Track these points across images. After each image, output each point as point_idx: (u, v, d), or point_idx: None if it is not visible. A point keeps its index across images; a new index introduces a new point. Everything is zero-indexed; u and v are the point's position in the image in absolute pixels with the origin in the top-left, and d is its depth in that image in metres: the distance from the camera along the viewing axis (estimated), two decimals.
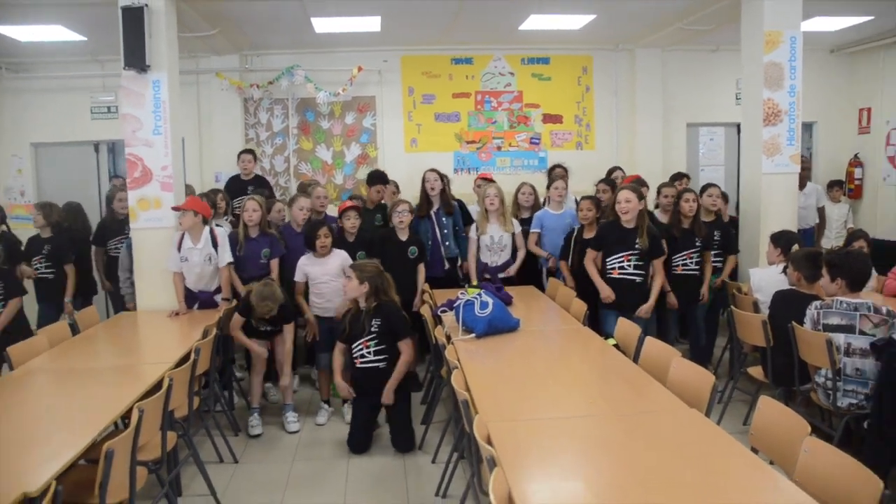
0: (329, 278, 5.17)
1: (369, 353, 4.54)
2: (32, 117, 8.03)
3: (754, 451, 2.63)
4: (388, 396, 4.53)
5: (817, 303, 3.91)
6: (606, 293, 5.04)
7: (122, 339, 4.80)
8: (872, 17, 7.06)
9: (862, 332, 3.71)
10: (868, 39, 8.23)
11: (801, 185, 7.42)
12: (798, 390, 4.19)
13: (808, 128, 9.05)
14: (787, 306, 4.17)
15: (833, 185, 8.34)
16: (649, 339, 3.83)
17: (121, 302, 6.02)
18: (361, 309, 4.58)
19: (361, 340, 4.54)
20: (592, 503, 2.16)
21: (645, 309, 5.07)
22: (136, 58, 5.26)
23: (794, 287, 4.36)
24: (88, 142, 8.21)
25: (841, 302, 3.80)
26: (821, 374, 3.93)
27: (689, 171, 8.54)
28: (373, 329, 4.52)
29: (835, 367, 3.76)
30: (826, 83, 8.79)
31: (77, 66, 7.94)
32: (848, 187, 8.72)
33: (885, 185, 8.40)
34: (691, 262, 5.52)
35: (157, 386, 3.44)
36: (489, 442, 2.53)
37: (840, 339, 3.79)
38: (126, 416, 3.36)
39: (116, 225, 6.30)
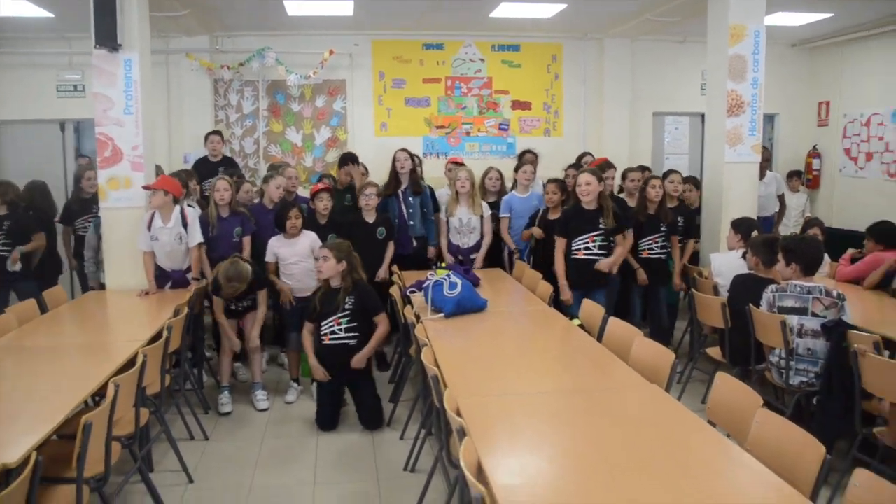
0: (298, 259, 5.22)
1: (340, 329, 4.61)
2: None
3: (711, 424, 2.77)
4: (359, 361, 4.59)
5: (773, 286, 4.08)
6: (566, 297, 5.16)
7: (92, 317, 4.80)
8: (833, 14, 7.27)
9: (814, 314, 3.89)
10: (828, 35, 8.46)
11: (762, 175, 7.65)
12: (754, 369, 4.36)
13: (769, 119, 9.29)
14: (745, 290, 4.34)
15: (792, 175, 8.59)
16: (613, 320, 3.96)
17: (87, 280, 6.00)
18: (334, 287, 4.65)
19: (333, 318, 4.61)
20: (558, 473, 2.28)
21: (606, 262, 5.18)
22: (107, 36, 5.22)
23: (752, 271, 4.53)
24: (54, 120, 8.11)
25: (795, 286, 3.97)
26: (775, 354, 4.10)
27: (655, 159, 8.77)
28: (346, 307, 4.60)
29: (788, 347, 3.93)
30: (787, 76, 9.03)
31: (43, 43, 7.84)
32: (806, 177, 8.97)
33: (842, 176, 8.67)
34: (657, 246, 5.67)
35: (130, 363, 3.48)
36: (458, 415, 2.63)
37: (794, 320, 3.96)
38: (96, 395, 3.42)
39: (84, 204, 6.26)
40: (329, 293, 4.66)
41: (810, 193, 8.93)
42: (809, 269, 3.97)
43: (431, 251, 6.14)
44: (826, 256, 5.59)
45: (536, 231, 5.81)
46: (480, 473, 2.18)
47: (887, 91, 7.91)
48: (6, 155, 8.07)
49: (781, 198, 7.94)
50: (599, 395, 3.03)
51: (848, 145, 8.56)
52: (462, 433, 2.38)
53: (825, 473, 2.14)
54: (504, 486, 2.10)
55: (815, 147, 9.03)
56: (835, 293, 3.88)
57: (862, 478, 2.00)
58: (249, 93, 8.21)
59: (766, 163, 7.62)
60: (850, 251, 5.41)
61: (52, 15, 6.89)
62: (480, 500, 1.93)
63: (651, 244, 5.66)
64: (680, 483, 2.16)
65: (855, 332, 3.67)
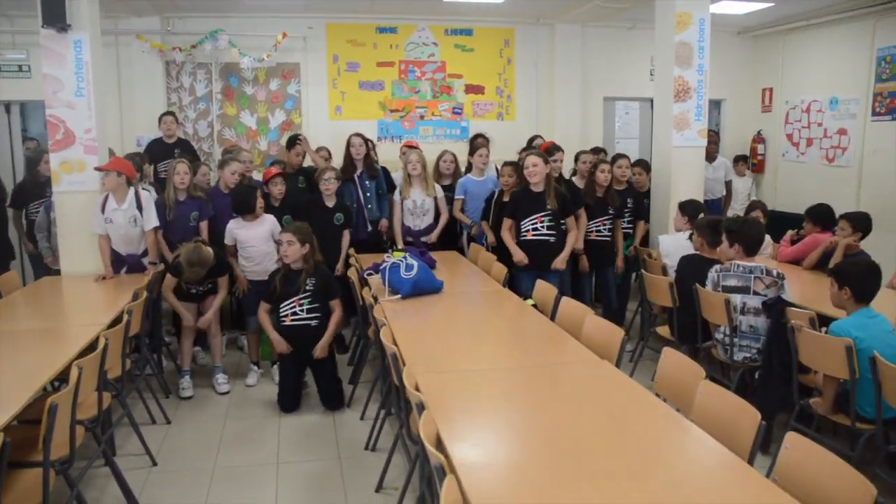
0: (258, 242, 5.25)
1: (302, 310, 4.68)
2: None
3: (659, 397, 2.92)
4: (322, 350, 4.69)
5: (717, 266, 4.27)
6: (519, 257, 5.27)
7: (48, 302, 4.77)
8: (773, 4, 7.50)
9: (756, 293, 4.09)
10: (771, 24, 8.73)
11: (712, 159, 7.91)
12: (700, 347, 4.55)
13: (716, 105, 9.56)
14: (692, 270, 4.53)
15: (739, 160, 8.87)
16: (565, 299, 4.11)
17: (41, 265, 5.93)
18: (294, 269, 4.70)
19: (294, 299, 4.68)
20: (513, 442, 2.40)
21: (559, 259, 5.32)
22: (55, 16, 5.12)
23: (697, 252, 4.72)
24: None
25: (738, 265, 4.16)
26: (720, 331, 4.30)
27: (606, 143, 8.93)
28: (307, 288, 4.67)
29: (732, 324, 4.13)
30: (733, 63, 9.30)
31: None
32: (752, 162, 9.27)
33: (784, 161, 8.98)
34: (604, 229, 5.84)
35: (90, 348, 3.50)
36: (417, 391, 2.73)
37: (737, 299, 4.15)
38: (56, 380, 3.44)
39: (37, 187, 6.17)
40: (289, 275, 4.72)
41: (755, 177, 9.23)
42: (751, 250, 4.17)
43: (384, 223, 6.21)
44: (768, 238, 5.84)
45: (489, 236, 5.89)
46: (440, 445, 2.29)
47: (826, 79, 8.21)
48: None
49: (728, 184, 8.22)
50: (552, 369, 3.17)
51: (790, 131, 8.86)
52: (421, 407, 2.49)
53: (761, 438, 2.30)
54: (462, 455, 2.21)
55: (759, 132, 9.32)
56: (775, 272, 4.09)
57: (792, 440, 2.17)
58: (202, 75, 8.12)
59: (715, 147, 7.88)
60: (790, 233, 5.64)
61: None
62: (440, 467, 2.04)
63: (599, 226, 5.83)
64: (627, 449, 2.31)
65: (793, 309, 3.87)
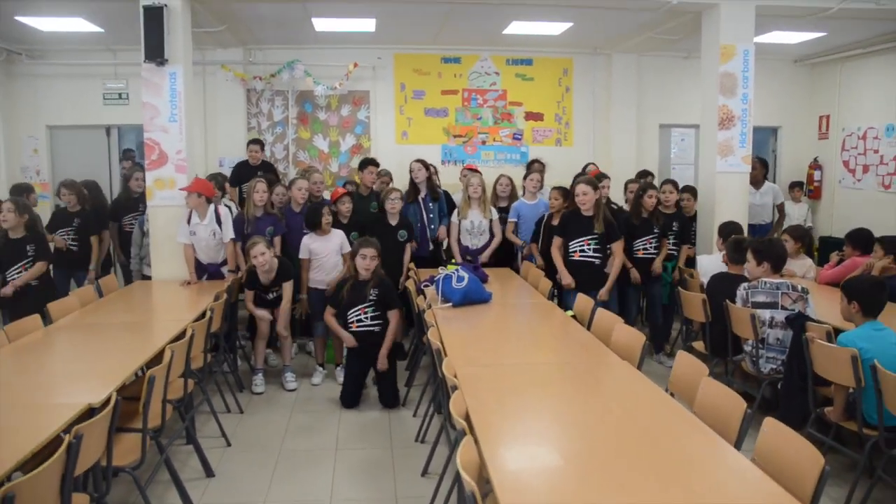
0: (329, 254, 5.78)
1: (366, 317, 5.17)
2: (48, 101, 8.59)
3: (671, 394, 3.27)
4: (382, 362, 5.17)
5: (746, 284, 4.57)
6: (567, 281, 5.63)
7: (143, 301, 5.42)
8: (825, 34, 7.72)
9: (783, 308, 4.38)
10: (827, 52, 8.91)
11: (759, 185, 8.12)
12: (730, 360, 4.84)
13: (773, 132, 9.77)
14: (720, 286, 4.85)
15: (794, 186, 9.04)
16: (600, 311, 4.48)
17: (131, 274, 6.60)
18: (361, 280, 5.19)
19: (360, 307, 5.17)
20: (529, 415, 2.80)
21: (603, 291, 5.66)
22: (155, 52, 5.84)
23: (724, 270, 5.03)
24: (100, 125, 8.79)
25: (765, 283, 4.46)
26: (748, 345, 4.59)
27: (661, 169, 9.23)
28: (371, 297, 5.16)
29: (757, 337, 4.41)
30: (790, 91, 9.50)
31: (91, 54, 8.51)
32: (808, 188, 9.40)
33: (841, 188, 9.09)
34: (651, 247, 6.15)
35: (179, 338, 4.05)
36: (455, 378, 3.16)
37: (766, 314, 4.44)
38: (148, 366, 4.01)
39: (131, 203, 6.90)
40: (357, 284, 5.20)
41: (812, 204, 9.35)
42: (777, 267, 4.46)
43: (441, 232, 6.66)
44: (810, 261, 6.08)
45: (538, 259, 6.25)
46: (467, 419, 2.70)
47: (882, 106, 8.33)
48: (57, 158, 8.75)
49: (780, 207, 8.37)
50: (578, 367, 3.56)
51: (846, 158, 8.98)
52: (454, 389, 2.92)
53: (748, 424, 2.64)
54: (481, 423, 2.62)
55: (815, 159, 9.45)
56: (800, 288, 4.38)
57: (769, 425, 2.50)
58: (280, 102, 8.81)
59: (757, 173, 8.04)
60: (834, 256, 5.86)
61: (102, 30, 7.54)
62: (461, 431, 2.46)
63: (645, 244, 6.14)
64: (633, 431, 2.68)
65: (812, 323, 4.15)
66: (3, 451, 2.45)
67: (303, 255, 5.83)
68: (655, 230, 6.12)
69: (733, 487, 2.25)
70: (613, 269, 5.72)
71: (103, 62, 8.54)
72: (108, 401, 2.97)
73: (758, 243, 4.57)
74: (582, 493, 2.19)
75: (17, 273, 5.54)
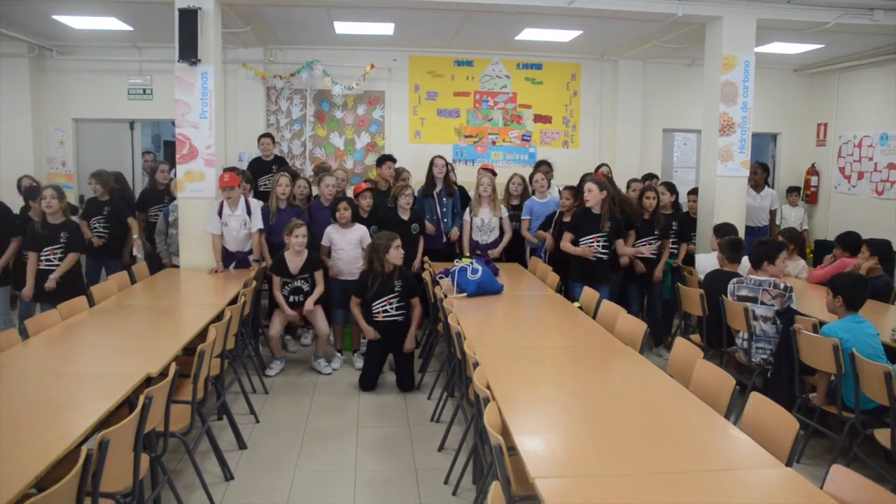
0: (348, 246, 6.13)
1: (392, 308, 5.51)
2: (75, 95, 8.93)
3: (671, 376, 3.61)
4: (410, 342, 5.53)
5: (735, 279, 4.93)
6: (588, 253, 5.86)
7: (174, 288, 5.77)
8: (823, 45, 8.06)
9: (762, 303, 4.74)
10: (826, 63, 9.26)
11: (759, 189, 8.46)
12: (725, 350, 5.19)
13: (773, 138, 10.12)
14: (714, 282, 5.22)
15: (791, 191, 9.38)
16: (605, 302, 4.83)
17: (157, 261, 6.92)
18: (385, 272, 5.52)
19: (385, 298, 5.51)
20: (546, 393, 3.15)
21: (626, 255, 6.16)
22: (189, 52, 6.17)
23: (718, 267, 5.40)
24: (124, 119, 9.13)
25: (750, 278, 4.82)
26: (739, 337, 4.94)
27: (664, 172, 9.57)
28: (396, 289, 5.50)
29: (750, 330, 4.76)
30: (790, 99, 9.85)
31: (118, 51, 8.84)
32: (805, 193, 9.74)
33: (836, 193, 9.43)
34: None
35: (213, 320, 4.40)
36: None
37: (748, 307, 4.80)
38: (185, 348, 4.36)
39: (156, 194, 7.25)
40: (381, 276, 5.52)
41: (808, 208, 9.71)
42: (755, 265, 4.85)
43: (454, 233, 6.99)
44: (803, 262, 6.44)
45: (548, 240, 6.59)
46: (489, 390, 3.05)
47: (877, 116, 8.68)
48: (82, 149, 9.09)
49: (773, 213, 8.69)
50: (585, 350, 3.93)
51: (842, 164, 9.32)
52: (476, 364, 3.27)
53: (734, 399, 2.99)
54: (503, 393, 2.98)
55: (813, 165, 9.80)
56: (782, 286, 4.72)
57: (754, 398, 2.85)
58: (298, 100, 9.16)
59: (758, 177, 8.40)
60: (829, 258, 6.21)
61: (131, 28, 7.88)
62: (486, 399, 2.81)
63: (646, 244, 6.47)
64: (636, 405, 3.03)
65: (800, 316, 4.49)
66: (82, 411, 2.81)
67: (324, 241, 6.19)
68: (656, 232, 6.45)
69: (723, 450, 2.60)
70: (625, 253, 6.13)
71: (129, 59, 8.88)
72: (163, 372, 3.32)
73: (755, 245, 4.94)
74: (593, 453, 2.53)
75: (48, 257, 5.82)
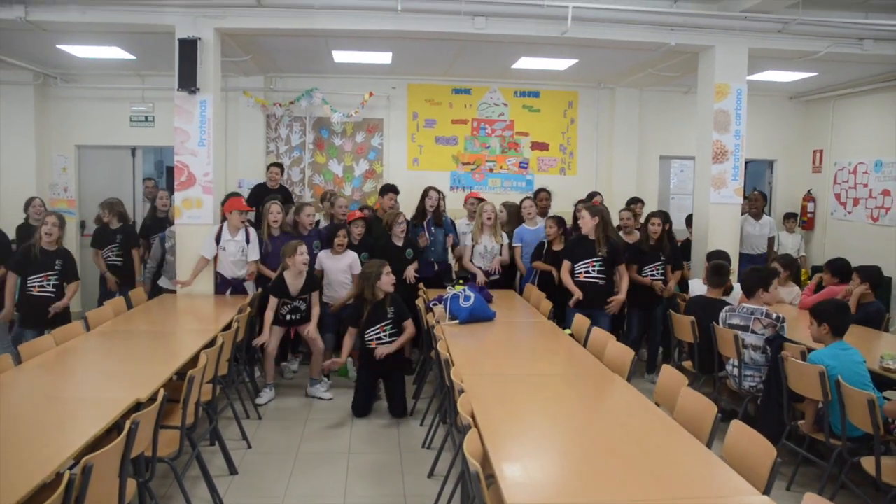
0: (338, 273, 6.21)
1: (385, 335, 5.54)
2: (78, 122, 9.04)
3: (657, 404, 3.63)
4: (380, 352, 5.44)
5: (728, 307, 4.96)
6: (578, 294, 5.97)
7: (170, 313, 5.82)
8: (816, 74, 8.15)
9: (753, 332, 4.77)
10: (820, 90, 9.35)
11: (758, 217, 8.52)
12: (716, 376, 5.20)
13: (769, 165, 10.18)
14: (696, 308, 5.27)
15: (788, 217, 9.42)
16: (596, 329, 4.86)
17: (155, 289, 6.97)
18: (377, 299, 5.54)
19: (379, 325, 5.53)
20: (531, 420, 3.17)
21: (613, 305, 6.06)
22: (188, 81, 6.28)
23: (702, 294, 5.44)
24: (126, 146, 9.24)
25: (743, 307, 4.84)
26: (729, 363, 4.95)
27: (661, 198, 9.65)
28: (389, 316, 5.54)
29: (740, 357, 4.78)
30: (785, 126, 9.94)
31: (120, 79, 8.97)
32: (801, 219, 9.79)
33: (832, 219, 9.47)
34: (658, 273, 6.51)
35: (206, 346, 4.44)
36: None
37: (738, 335, 4.82)
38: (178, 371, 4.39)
39: (156, 222, 7.33)
40: (375, 304, 5.55)
41: (805, 234, 9.74)
42: (748, 293, 4.88)
43: (458, 251, 7.04)
44: (797, 288, 6.46)
45: (543, 267, 6.65)
46: (474, 420, 3.08)
47: (872, 143, 8.74)
48: (84, 175, 9.19)
49: (771, 241, 8.74)
50: (572, 377, 3.96)
51: (838, 191, 9.37)
52: (461, 391, 3.30)
53: (716, 426, 3.01)
54: (485, 421, 3.00)
55: (809, 191, 9.85)
56: (774, 315, 4.74)
57: (734, 426, 2.87)
58: (298, 127, 9.26)
59: (758, 203, 8.47)
60: (813, 280, 6.25)
61: (134, 57, 8.01)
62: (467, 426, 2.84)
63: (653, 271, 6.51)
64: (619, 432, 3.05)
65: (789, 344, 4.51)
66: (69, 436, 2.84)
67: (317, 266, 6.25)
68: (662, 257, 6.48)
69: (701, 478, 2.62)
70: (623, 285, 6.12)
71: (132, 87, 9.00)
72: (152, 398, 3.36)
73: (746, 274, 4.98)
74: (572, 481, 2.56)
75: (41, 283, 5.82)
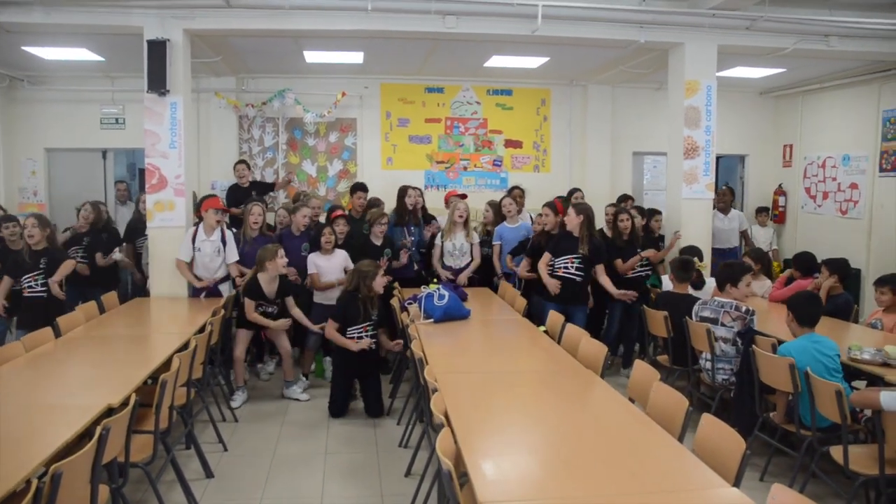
0: (332, 272, 6.21)
1: (366, 335, 5.52)
2: (47, 124, 8.92)
3: (631, 399, 3.66)
4: (360, 345, 5.43)
5: (700, 301, 5.02)
6: (553, 287, 5.98)
7: (144, 316, 5.79)
8: (784, 70, 8.26)
9: (723, 324, 4.83)
10: (789, 86, 9.48)
11: (726, 211, 8.64)
12: (690, 370, 5.25)
13: (741, 159, 10.30)
14: (665, 304, 5.33)
15: (760, 211, 9.55)
16: (569, 326, 4.89)
17: (146, 291, 6.87)
18: (368, 297, 5.50)
19: (362, 325, 5.51)
20: (505, 418, 3.19)
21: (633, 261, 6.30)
22: (157, 83, 6.22)
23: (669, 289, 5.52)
24: (97, 149, 9.13)
25: (714, 300, 4.91)
26: (703, 357, 5.01)
27: (635, 194, 9.67)
28: (373, 317, 5.54)
29: (713, 350, 4.84)
30: (756, 121, 10.06)
31: (90, 80, 8.86)
32: (773, 213, 9.91)
33: (803, 213, 9.60)
34: (638, 266, 6.55)
35: (180, 350, 4.41)
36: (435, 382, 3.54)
37: (710, 328, 4.88)
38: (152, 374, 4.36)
39: (142, 225, 7.21)
40: (364, 302, 5.50)
41: (777, 228, 9.86)
42: (719, 287, 4.94)
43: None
44: (769, 282, 6.54)
45: (522, 267, 6.63)
46: (447, 417, 3.09)
47: (839, 137, 8.88)
48: (54, 179, 9.08)
49: (744, 233, 8.86)
50: (546, 374, 3.99)
51: (808, 185, 9.50)
52: (434, 390, 3.30)
53: (688, 419, 3.05)
54: (458, 419, 3.01)
55: (780, 185, 9.97)
56: (743, 309, 4.81)
57: (705, 420, 2.91)
58: (270, 128, 9.21)
59: (727, 198, 8.59)
60: (782, 276, 6.34)
61: (103, 59, 7.93)
62: (440, 424, 2.85)
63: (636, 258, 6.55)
64: (592, 428, 3.08)
65: (760, 337, 4.57)
66: (39, 443, 2.81)
67: (311, 269, 6.22)
68: (639, 251, 6.53)
69: (672, 471, 2.65)
70: (606, 284, 6.12)
71: (101, 88, 8.89)
72: (124, 403, 3.33)
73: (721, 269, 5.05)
74: (544, 477, 2.57)
75: (30, 284, 5.77)
